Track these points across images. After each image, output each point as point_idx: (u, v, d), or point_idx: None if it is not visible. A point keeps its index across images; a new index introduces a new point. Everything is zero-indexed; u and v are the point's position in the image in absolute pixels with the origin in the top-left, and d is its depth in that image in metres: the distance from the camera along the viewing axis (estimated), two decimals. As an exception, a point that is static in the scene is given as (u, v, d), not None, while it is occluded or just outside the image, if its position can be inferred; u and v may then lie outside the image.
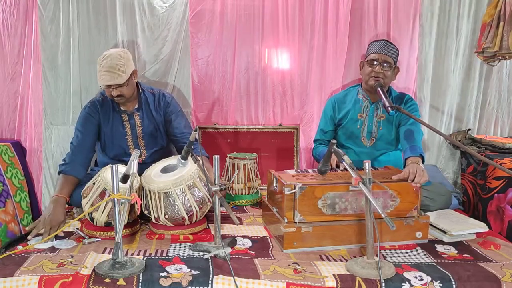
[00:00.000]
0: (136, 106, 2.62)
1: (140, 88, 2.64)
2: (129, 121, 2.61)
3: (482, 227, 2.20)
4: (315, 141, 2.84)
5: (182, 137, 2.62)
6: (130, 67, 2.46)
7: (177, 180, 2.16)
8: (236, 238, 2.14)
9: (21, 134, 2.92)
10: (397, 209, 2.09)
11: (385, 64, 2.52)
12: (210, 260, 1.85)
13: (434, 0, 2.99)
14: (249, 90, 3.06)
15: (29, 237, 2.12)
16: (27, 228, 2.25)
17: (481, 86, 3.11)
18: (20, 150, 2.85)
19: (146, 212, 2.24)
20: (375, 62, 2.53)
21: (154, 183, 2.18)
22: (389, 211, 2.07)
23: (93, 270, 1.73)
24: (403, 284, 1.71)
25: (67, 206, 2.65)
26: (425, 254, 2.00)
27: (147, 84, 2.79)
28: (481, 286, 1.74)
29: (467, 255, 2.00)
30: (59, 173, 2.46)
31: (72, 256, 1.89)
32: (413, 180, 2.10)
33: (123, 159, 2.60)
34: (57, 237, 2.12)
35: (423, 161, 2.34)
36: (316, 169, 2.22)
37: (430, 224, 2.19)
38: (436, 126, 3.05)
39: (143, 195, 2.22)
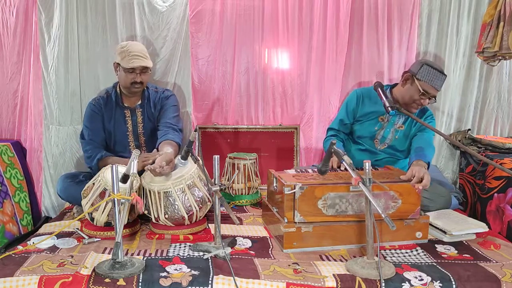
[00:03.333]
0: (139, 102, 2.64)
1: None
2: (131, 117, 2.63)
3: (482, 227, 2.20)
4: (329, 129, 2.75)
5: (165, 125, 2.57)
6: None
7: (177, 180, 2.16)
8: (236, 238, 2.14)
9: (21, 134, 2.92)
10: (398, 210, 2.08)
11: (433, 99, 2.46)
12: (210, 260, 1.85)
13: (433, 0, 2.99)
14: (249, 90, 3.06)
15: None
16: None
17: (481, 86, 3.10)
18: (20, 150, 2.85)
19: (146, 212, 2.23)
20: (427, 95, 2.42)
21: (154, 182, 2.18)
22: (390, 213, 2.06)
23: (93, 270, 1.73)
24: (403, 284, 1.71)
25: (69, 205, 2.67)
26: (425, 254, 2.00)
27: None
28: (481, 286, 1.74)
29: (467, 255, 2.00)
30: (94, 166, 2.49)
31: (72, 256, 1.89)
32: (421, 181, 2.08)
33: (124, 156, 2.60)
34: (58, 236, 2.11)
35: (427, 168, 2.29)
36: (316, 169, 2.21)
37: (430, 224, 2.19)
38: (436, 126, 3.03)
39: (143, 195, 2.22)
